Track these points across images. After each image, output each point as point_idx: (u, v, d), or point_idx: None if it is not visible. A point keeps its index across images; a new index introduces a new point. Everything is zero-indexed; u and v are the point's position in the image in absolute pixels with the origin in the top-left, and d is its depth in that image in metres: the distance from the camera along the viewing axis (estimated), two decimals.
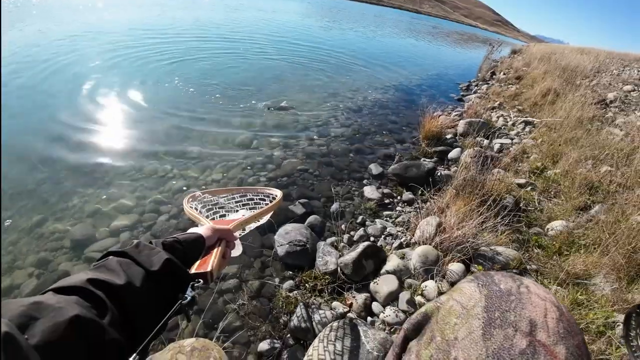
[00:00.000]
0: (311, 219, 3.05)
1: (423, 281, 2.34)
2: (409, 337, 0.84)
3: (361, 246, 2.53)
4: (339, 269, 2.49)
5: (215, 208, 1.12)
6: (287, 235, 2.82)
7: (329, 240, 2.90)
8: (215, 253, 0.73)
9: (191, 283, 0.62)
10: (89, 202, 3.02)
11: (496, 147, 4.30)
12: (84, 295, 0.47)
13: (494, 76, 7.29)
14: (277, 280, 2.57)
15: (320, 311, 2.22)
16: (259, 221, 1.07)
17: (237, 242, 0.99)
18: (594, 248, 2.42)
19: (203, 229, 0.79)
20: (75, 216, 2.87)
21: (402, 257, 2.60)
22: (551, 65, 6.12)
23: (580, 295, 2.13)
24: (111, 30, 8.91)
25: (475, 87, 6.74)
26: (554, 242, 2.59)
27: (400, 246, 2.81)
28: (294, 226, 2.91)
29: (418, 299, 2.26)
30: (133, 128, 4.26)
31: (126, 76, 5.81)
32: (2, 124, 3.85)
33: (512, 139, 4.47)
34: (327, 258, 2.59)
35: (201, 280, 0.64)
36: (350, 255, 2.47)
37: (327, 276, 2.48)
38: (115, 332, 0.45)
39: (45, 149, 3.64)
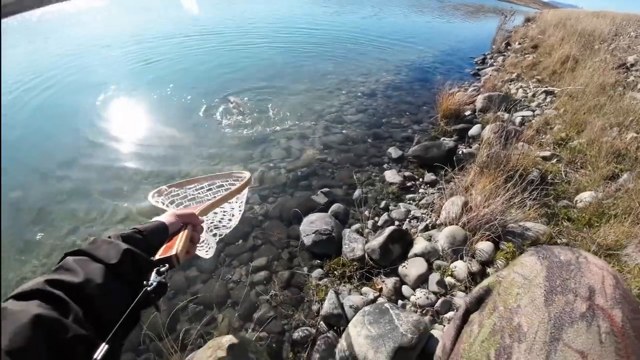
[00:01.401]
0: (334, 207, 3.06)
1: (452, 262, 2.33)
2: (471, 310, 0.88)
3: (387, 231, 2.52)
4: (366, 255, 2.50)
5: (185, 201, 1.08)
6: (313, 225, 2.84)
7: (354, 227, 2.91)
8: (180, 237, 0.72)
9: (155, 269, 0.60)
10: (117, 209, 3.11)
11: (517, 120, 4.15)
12: (44, 296, 0.46)
13: (509, 47, 6.97)
14: (305, 269, 2.60)
15: (351, 297, 2.24)
16: (237, 205, 1.03)
17: (212, 245, 0.99)
18: (625, 218, 2.33)
19: (165, 216, 0.77)
20: (106, 223, 2.96)
21: (429, 239, 2.58)
22: (567, 31, 5.79)
23: (613, 266, 2.06)
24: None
25: (491, 60, 6.47)
26: (584, 214, 2.51)
27: (426, 228, 2.79)
28: (318, 215, 2.92)
29: (448, 279, 2.25)
30: (153, 128, 4.34)
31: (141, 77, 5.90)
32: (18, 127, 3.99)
33: (533, 111, 4.30)
34: (354, 245, 2.60)
35: (166, 265, 0.62)
36: (377, 240, 2.47)
37: (355, 262, 2.50)
38: (79, 328, 0.45)
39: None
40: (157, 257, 0.65)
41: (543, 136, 3.66)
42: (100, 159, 3.80)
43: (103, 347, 0.44)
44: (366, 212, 3.08)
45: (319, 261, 2.66)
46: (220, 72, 6.33)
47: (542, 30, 6.77)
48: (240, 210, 1.08)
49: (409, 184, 3.41)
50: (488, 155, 2.84)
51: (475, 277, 2.24)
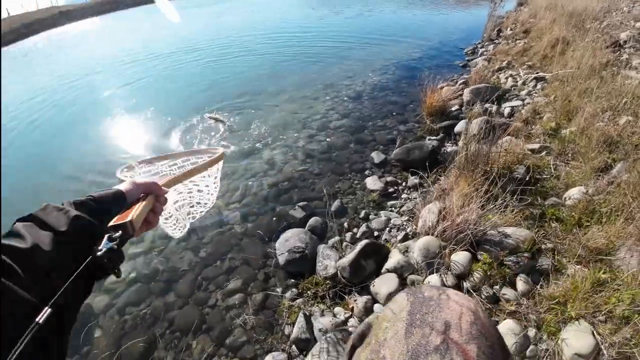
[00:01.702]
0: (312, 221, 2.92)
1: (426, 276, 2.15)
2: (356, 345, 0.86)
3: (359, 246, 2.37)
4: (338, 273, 2.35)
5: (156, 178, 0.99)
6: (287, 243, 2.72)
7: (331, 241, 2.76)
8: (139, 205, 0.67)
9: (107, 235, 0.57)
10: None
11: (506, 111, 3.91)
12: None
13: (500, 34, 6.63)
14: (279, 290, 2.48)
15: (322, 319, 2.10)
16: (209, 179, 0.98)
17: (184, 224, 0.96)
18: (617, 215, 2.10)
19: (123, 184, 0.73)
20: None
21: (405, 251, 2.41)
22: (558, 12, 5.45)
23: (602, 273, 1.85)
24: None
25: (482, 49, 6.15)
26: (573, 213, 2.29)
27: (405, 238, 2.61)
28: (293, 232, 2.79)
29: None
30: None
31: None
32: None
33: (523, 100, 4.04)
34: (327, 262, 2.46)
35: (120, 231, 0.59)
36: (348, 258, 2.32)
37: (328, 281, 2.35)
38: (23, 292, 0.44)
39: None
40: (111, 223, 0.61)
41: (532, 127, 3.42)
42: (71, 191, 3.79)
43: (45, 311, 0.42)
44: (345, 224, 2.93)
45: (293, 280, 2.54)
46: (201, 87, 6.30)
47: (533, 13, 6.42)
48: (215, 188, 1.02)
49: (391, 189, 3.24)
50: (467, 155, 2.64)
51: None
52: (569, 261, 2.04)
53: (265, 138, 4.31)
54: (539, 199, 2.52)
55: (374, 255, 2.39)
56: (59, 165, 4.47)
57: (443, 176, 3.10)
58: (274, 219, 3.07)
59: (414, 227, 2.70)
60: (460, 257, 2.11)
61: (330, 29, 9.98)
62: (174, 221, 0.98)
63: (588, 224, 2.21)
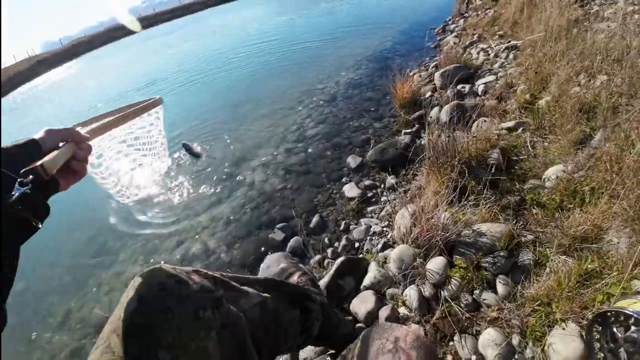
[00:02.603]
0: (292, 242, 2.78)
1: (404, 289, 1.97)
2: None
3: (334, 266, 2.21)
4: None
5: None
6: (268, 270, 2.57)
7: (314, 260, 2.61)
8: (55, 152, 0.61)
9: (18, 180, 0.52)
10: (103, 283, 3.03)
11: (480, 89, 3.64)
12: None
13: (470, 6, 6.28)
14: None
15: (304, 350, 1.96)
16: (150, 130, 0.89)
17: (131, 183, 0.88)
18: (601, 193, 1.87)
19: (38, 133, 0.66)
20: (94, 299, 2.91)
21: (384, 261, 2.23)
22: None
23: (590, 263, 1.63)
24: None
25: (452, 26, 5.83)
26: (554, 196, 2.06)
27: (384, 247, 2.44)
28: (273, 258, 2.64)
29: (402, 311, 1.90)
30: None
31: None
32: None
33: (496, 74, 3.76)
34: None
35: (30, 176, 0.53)
36: (324, 280, 2.17)
37: None
38: None
39: None
40: (21, 171, 0.55)
41: (507, 102, 3.16)
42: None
43: None
44: (326, 239, 2.77)
45: None
46: (170, 115, 6.18)
47: None
48: (162, 138, 0.94)
49: (370, 194, 3.05)
50: (433, 150, 2.42)
51: (430, 303, 1.87)
52: (552, 252, 1.82)
53: (243, 160, 4.18)
54: (517, 183, 2.29)
55: (353, 272, 2.23)
56: None
57: (418, 172, 2.90)
58: (257, 244, 2.94)
59: (393, 232, 2.52)
60: (434, 265, 1.92)
61: (298, 31, 9.77)
62: (114, 179, 0.89)
63: (571, 206, 1.98)
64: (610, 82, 2.38)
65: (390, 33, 6.69)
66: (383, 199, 2.98)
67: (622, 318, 1.16)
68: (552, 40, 3.21)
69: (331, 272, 2.18)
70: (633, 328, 1.13)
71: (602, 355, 1.24)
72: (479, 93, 3.59)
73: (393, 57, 5.55)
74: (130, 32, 30.27)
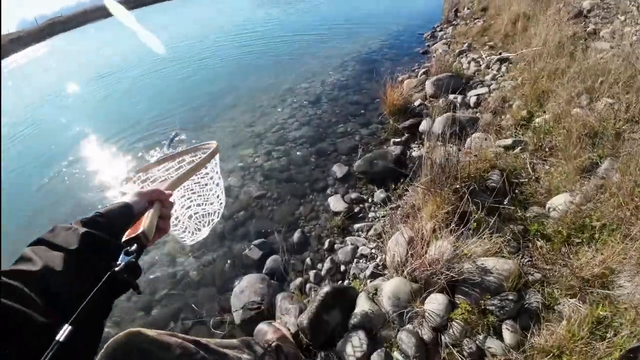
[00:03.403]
0: (270, 262, 2.44)
1: (399, 331, 1.70)
2: None
3: (318, 299, 1.90)
4: (299, 333, 1.89)
5: (155, 185, 0.93)
6: (242, 295, 2.24)
7: (294, 284, 2.29)
8: (147, 215, 0.65)
9: (124, 250, 0.55)
10: None
11: (472, 100, 3.45)
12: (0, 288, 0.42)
13: (458, 14, 6.13)
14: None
15: None
16: (207, 177, 0.95)
17: (202, 232, 0.92)
18: (612, 230, 1.68)
19: (128, 196, 0.69)
20: None
21: (374, 293, 1.95)
22: None
23: (602, 309, 1.43)
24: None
25: (441, 33, 5.65)
26: (560, 228, 1.86)
27: (374, 274, 2.16)
28: (249, 280, 2.31)
29: (396, 356, 1.63)
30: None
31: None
32: None
33: (489, 86, 3.58)
34: (286, 319, 1.99)
35: (135, 245, 0.56)
36: (306, 315, 1.85)
37: None
38: (38, 316, 0.41)
39: None
40: (124, 238, 0.58)
41: (502, 117, 2.96)
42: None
43: (66, 329, 0.40)
44: (308, 259, 2.46)
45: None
46: (147, 111, 5.61)
47: None
48: (220, 189, 0.98)
49: (356, 208, 2.77)
50: (432, 169, 2.17)
51: (429, 349, 1.62)
52: (561, 294, 1.62)
53: (220, 160, 3.76)
54: (518, 210, 2.08)
55: (339, 304, 1.93)
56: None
57: (410, 187, 2.65)
58: (230, 262, 2.58)
59: (383, 256, 2.25)
60: (435, 305, 1.66)
61: (285, 27, 9.31)
62: (182, 226, 0.94)
63: (579, 240, 1.78)
64: (616, 107, 2.21)
65: (378, 34, 6.42)
66: (371, 214, 2.71)
67: None
68: (549, 55, 3.05)
69: (315, 306, 1.87)
70: None
71: None
72: (472, 105, 3.40)
73: (381, 59, 5.28)
74: (109, 14, 28.23)
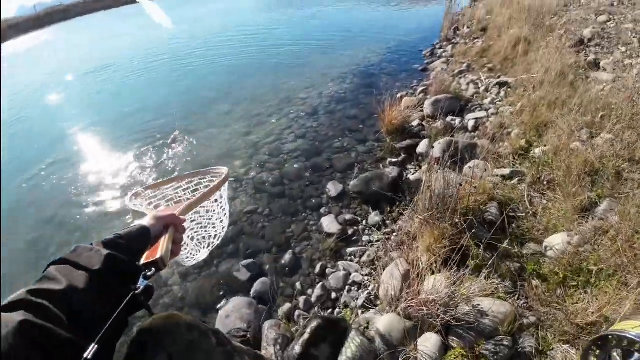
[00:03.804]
0: (258, 285, 2.35)
1: None
2: None
3: (307, 332, 1.81)
4: None
5: (164, 202, 1.01)
6: (227, 321, 2.14)
7: (282, 310, 2.20)
8: (164, 240, 0.67)
9: (142, 273, 0.59)
10: None
11: (470, 124, 3.43)
12: (27, 306, 0.43)
13: (457, 32, 6.14)
14: None
15: None
16: (218, 206, 0.95)
17: (199, 255, 0.95)
18: (608, 275, 1.65)
19: (146, 219, 0.72)
20: None
21: (366, 327, 1.88)
22: (514, 8, 4.97)
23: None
24: None
25: (440, 50, 5.64)
26: (556, 269, 1.81)
27: (366, 305, 2.09)
28: (236, 304, 2.21)
29: None
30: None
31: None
32: None
33: (487, 110, 3.56)
34: (272, 350, 1.90)
35: (153, 269, 0.60)
36: (294, 350, 1.77)
37: None
38: (65, 333, 0.42)
39: None
40: (142, 261, 0.61)
41: (500, 144, 2.93)
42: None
43: (93, 347, 0.43)
44: (298, 284, 2.37)
45: None
46: (135, 108, 5.46)
47: (489, 10, 5.93)
48: (225, 213, 0.98)
49: (350, 231, 2.70)
50: (431, 197, 2.11)
51: None
52: (555, 339, 1.57)
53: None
54: (515, 246, 2.03)
55: (329, 337, 1.84)
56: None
57: (406, 213, 2.60)
58: (216, 282, 2.48)
59: (376, 285, 2.18)
60: (428, 347, 1.60)
61: (286, 34, 9.20)
62: (187, 248, 0.94)
63: (575, 284, 1.74)
64: (617, 144, 2.20)
65: (377, 48, 6.39)
66: (365, 238, 2.64)
67: (625, 343, 1.03)
68: (549, 83, 3.04)
69: (304, 339, 1.78)
70: (637, 355, 1.00)
71: None
72: (469, 128, 3.37)
73: (379, 74, 5.24)
74: (109, 6, 27.72)
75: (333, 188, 3.09)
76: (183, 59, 8.14)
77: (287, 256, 2.54)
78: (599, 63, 3.24)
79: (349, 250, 2.54)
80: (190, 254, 0.98)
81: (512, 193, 2.38)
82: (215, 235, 1.00)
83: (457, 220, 1.98)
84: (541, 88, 3.16)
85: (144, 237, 0.67)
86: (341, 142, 3.77)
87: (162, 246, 0.64)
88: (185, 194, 1.03)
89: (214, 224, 0.98)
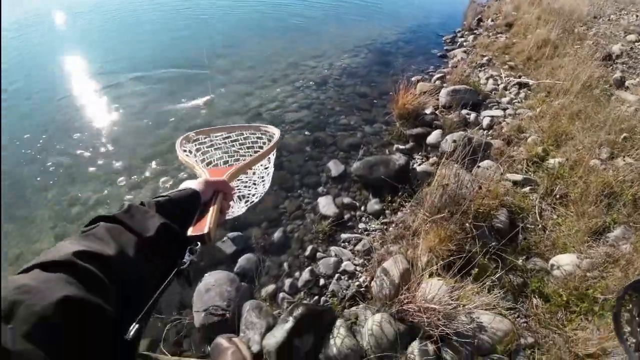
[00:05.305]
0: (243, 261, 2.17)
1: None
2: None
3: (291, 320, 1.67)
4: (264, 355, 1.66)
5: (212, 150, 0.95)
6: (206, 296, 1.97)
7: (266, 290, 2.05)
8: (213, 210, 0.61)
9: (189, 247, 0.53)
10: None
11: (485, 121, 3.23)
12: (72, 270, 0.38)
13: (481, 23, 5.78)
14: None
15: None
16: (263, 167, 0.91)
17: (238, 211, 0.89)
18: (613, 307, 1.54)
19: (197, 183, 0.66)
20: None
21: (354, 322, 1.75)
22: (543, 8, 4.64)
23: None
24: None
25: (461, 39, 5.31)
26: (561, 290, 1.71)
27: (355, 297, 1.96)
28: (217, 278, 2.04)
29: None
30: None
31: None
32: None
33: (504, 109, 3.36)
34: (250, 334, 1.76)
35: (199, 244, 0.54)
36: (275, 338, 1.63)
37: None
38: (109, 308, 0.37)
39: None
40: (190, 232, 0.55)
41: (515, 148, 2.77)
42: None
43: (134, 327, 0.38)
44: (285, 264, 2.21)
45: (210, 348, 1.83)
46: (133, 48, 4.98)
47: (516, 6, 5.56)
48: (269, 174, 0.94)
49: (347, 216, 2.53)
50: (441, 196, 1.94)
51: None
52: None
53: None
54: (520, 258, 1.92)
55: (313, 328, 1.72)
56: None
57: (408, 205, 2.44)
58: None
59: (368, 278, 2.04)
60: (422, 355, 1.48)
61: None
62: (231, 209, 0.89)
63: (577, 310, 1.65)
64: (635, 167, 2.06)
65: (396, 25, 5.97)
66: (361, 225, 2.47)
67: None
68: (573, 94, 2.85)
69: (287, 328, 1.64)
70: None
71: (630, 328, 0.97)
72: (484, 126, 3.18)
73: (396, 53, 4.90)
74: None
75: (334, 167, 2.88)
76: (190, 8, 7.41)
77: (277, 234, 2.36)
78: (624, 81, 3.06)
79: (344, 236, 2.38)
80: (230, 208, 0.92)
81: (523, 202, 2.25)
82: (255, 194, 0.96)
83: (467, 225, 1.82)
84: (565, 96, 2.96)
85: (195, 204, 0.62)
86: (348, 119, 3.51)
87: (210, 219, 0.59)
88: (232, 146, 0.99)
89: (255, 181, 0.94)
